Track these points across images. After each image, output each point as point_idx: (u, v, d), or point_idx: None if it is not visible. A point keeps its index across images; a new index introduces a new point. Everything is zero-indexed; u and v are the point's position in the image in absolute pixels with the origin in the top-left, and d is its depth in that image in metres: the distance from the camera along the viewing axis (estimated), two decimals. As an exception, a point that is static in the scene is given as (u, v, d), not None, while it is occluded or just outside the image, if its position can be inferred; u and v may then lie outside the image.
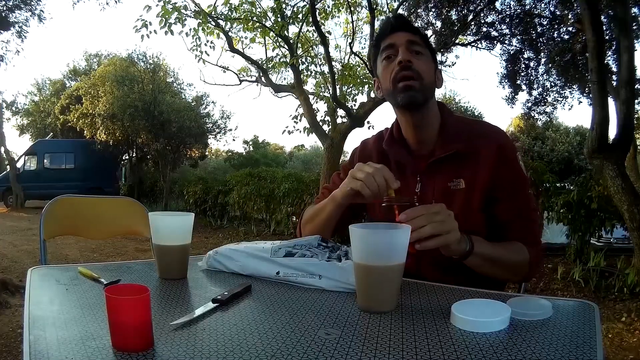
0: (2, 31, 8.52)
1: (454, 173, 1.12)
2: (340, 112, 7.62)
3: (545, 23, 7.31)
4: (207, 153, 18.43)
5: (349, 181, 1.03)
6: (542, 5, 7.19)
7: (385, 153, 1.21)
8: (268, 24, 7.34)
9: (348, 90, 8.36)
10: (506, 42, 7.75)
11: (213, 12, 6.99)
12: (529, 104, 8.27)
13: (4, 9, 8.39)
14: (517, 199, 1.13)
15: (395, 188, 0.99)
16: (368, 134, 1.33)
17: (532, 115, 8.50)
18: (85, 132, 14.17)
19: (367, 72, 7.62)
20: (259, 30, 7.47)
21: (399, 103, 1.11)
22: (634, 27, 5.76)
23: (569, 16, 6.85)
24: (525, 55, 7.85)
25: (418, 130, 1.15)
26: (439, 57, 8.02)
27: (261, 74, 8.30)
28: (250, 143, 23.89)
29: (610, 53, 6.34)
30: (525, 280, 1.22)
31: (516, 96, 8.14)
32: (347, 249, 0.93)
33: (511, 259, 1.08)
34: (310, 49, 8.23)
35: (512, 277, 1.15)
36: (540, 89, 8.07)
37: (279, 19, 7.12)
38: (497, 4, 7.19)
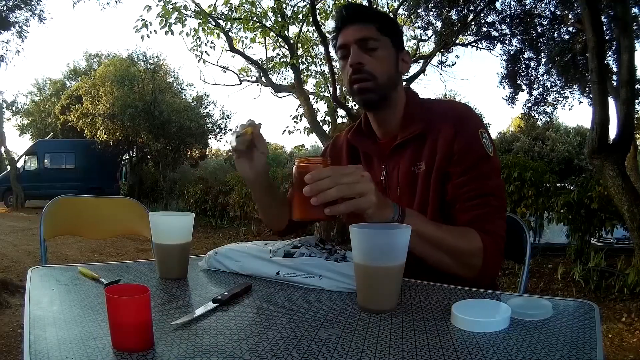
0: (2, 31, 8.52)
1: (416, 156, 1.08)
2: (340, 112, 7.61)
3: (545, 23, 7.32)
4: (207, 153, 18.41)
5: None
6: (542, 5, 7.20)
7: (354, 145, 1.22)
8: (268, 24, 7.33)
9: (348, 90, 8.33)
10: (506, 42, 7.76)
11: (213, 12, 6.98)
12: (529, 104, 8.29)
13: (4, 9, 8.39)
14: (471, 175, 1.00)
15: (254, 126, 1.02)
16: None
17: (533, 115, 8.52)
18: (85, 132, 14.17)
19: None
20: (259, 30, 7.45)
21: (358, 104, 1.13)
22: (634, 27, 5.75)
23: (569, 16, 6.85)
24: (526, 55, 7.86)
25: (382, 124, 1.16)
26: (438, 57, 8.04)
27: (261, 74, 8.29)
28: (251, 143, 23.83)
29: (610, 53, 6.34)
30: (482, 277, 0.97)
31: (516, 96, 8.17)
32: (345, 253, 0.93)
33: (457, 245, 0.95)
34: (311, 49, 8.21)
35: (461, 270, 0.97)
36: (540, 89, 8.08)
37: (279, 19, 7.11)
38: (497, 4, 7.20)
